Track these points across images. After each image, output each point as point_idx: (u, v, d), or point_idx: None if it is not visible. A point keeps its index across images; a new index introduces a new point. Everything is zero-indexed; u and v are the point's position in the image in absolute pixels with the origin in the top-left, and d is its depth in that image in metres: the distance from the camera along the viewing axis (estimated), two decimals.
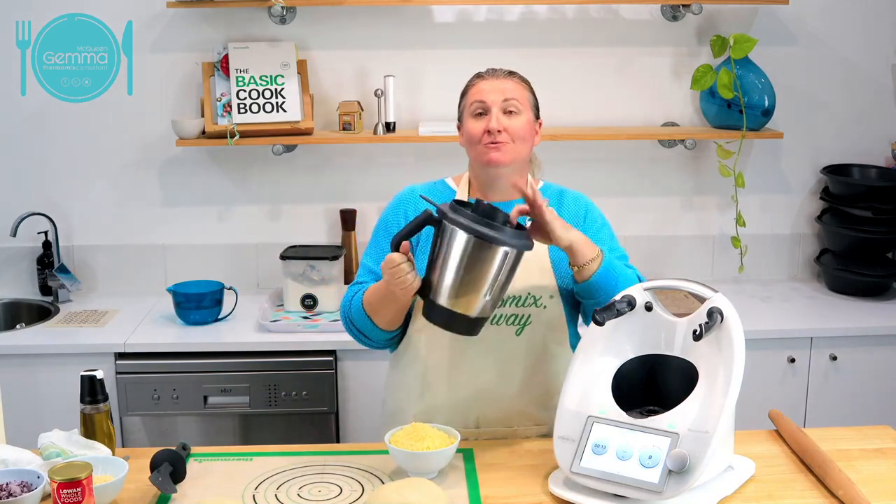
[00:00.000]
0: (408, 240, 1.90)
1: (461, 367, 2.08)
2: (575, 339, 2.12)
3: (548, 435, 2.07)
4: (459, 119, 2.15)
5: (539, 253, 2.06)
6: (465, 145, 2.13)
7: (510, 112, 2.06)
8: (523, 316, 2.06)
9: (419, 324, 2.09)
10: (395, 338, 2.15)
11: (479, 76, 2.14)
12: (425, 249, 2.00)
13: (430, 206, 1.90)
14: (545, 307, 2.07)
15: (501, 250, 1.83)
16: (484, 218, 1.82)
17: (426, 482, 1.76)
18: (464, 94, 2.15)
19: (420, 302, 1.98)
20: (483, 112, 2.07)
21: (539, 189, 2.16)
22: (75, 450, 1.85)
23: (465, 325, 1.90)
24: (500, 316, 2.06)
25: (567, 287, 2.09)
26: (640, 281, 2.06)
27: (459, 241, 1.82)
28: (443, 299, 1.87)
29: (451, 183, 2.20)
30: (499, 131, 2.03)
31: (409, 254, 1.91)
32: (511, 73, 2.13)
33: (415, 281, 1.90)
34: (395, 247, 1.90)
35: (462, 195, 2.15)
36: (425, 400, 2.12)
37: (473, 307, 1.88)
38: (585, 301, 2.04)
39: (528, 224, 1.96)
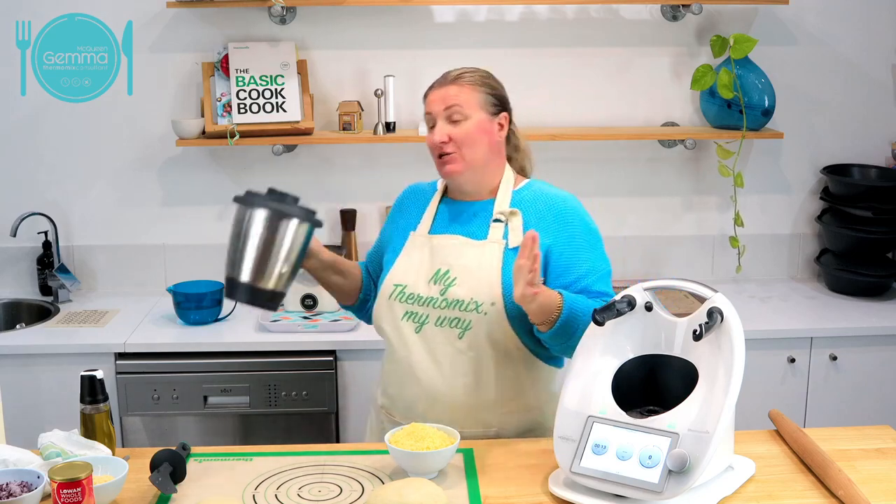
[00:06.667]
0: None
1: (410, 365, 2.10)
2: (534, 346, 2.07)
3: (497, 437, 2.08)
4: None
5: (488, 261, 2.05)
6: None
7: (455, 120, 2.06)
8: (465, 321, 2.04)
9: (376, 318, 2.17)
10: (358, 311, 2.33)
11: (431, 85, 2.13)
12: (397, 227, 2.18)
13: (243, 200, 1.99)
14: (486, 314, 2.03)
15: (293, 222, 1.94)
16: (276, 198, 1.96)
17: (426, 482, 1.76)
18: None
19: (382, 292, 2.13)
20: (433, 124, 2.09)
21: (521, 188, 2.13)
22: (75, 450, 1.85)
23: (266, 299, 1.98)
24: (444, 319, 2.06)
25: (513, 298, 1.99)
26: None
27: (258, 218, 1.93)
28: (244, 275, 1.96)
29: (440, 184, 2.25)
30: (443, 142, 2.05)
31: None
32: (459, 77, 2.08)
33: None
34: None
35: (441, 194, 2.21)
36: (386, 394, 2.19)
37: (272, 280, 1.97)
38: (549, 347, 2.02)
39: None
